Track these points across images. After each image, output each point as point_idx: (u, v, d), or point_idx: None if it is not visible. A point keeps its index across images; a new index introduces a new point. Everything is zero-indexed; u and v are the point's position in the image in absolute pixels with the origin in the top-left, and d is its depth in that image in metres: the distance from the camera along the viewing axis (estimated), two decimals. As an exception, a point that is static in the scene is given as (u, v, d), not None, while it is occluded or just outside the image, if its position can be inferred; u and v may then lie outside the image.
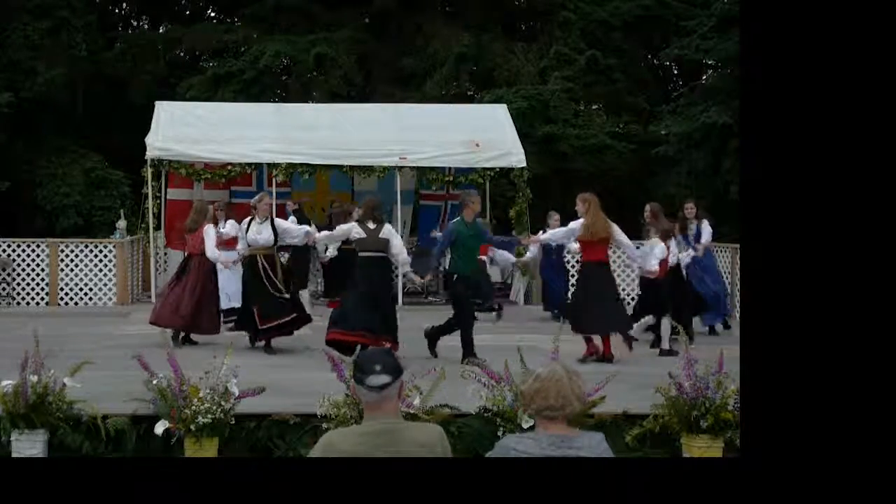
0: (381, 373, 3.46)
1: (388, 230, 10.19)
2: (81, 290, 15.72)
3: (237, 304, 11.51)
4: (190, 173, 16.47)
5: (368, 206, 10.44)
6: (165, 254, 17.18)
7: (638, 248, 11.04)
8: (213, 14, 30.61)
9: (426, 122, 17.40)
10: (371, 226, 10.11)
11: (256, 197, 11.33)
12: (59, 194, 22.68)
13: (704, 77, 24.61)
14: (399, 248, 10.21)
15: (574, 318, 10.18)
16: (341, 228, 10.85)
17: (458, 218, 10.40)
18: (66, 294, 15.70)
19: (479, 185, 17.97)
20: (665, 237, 10.99)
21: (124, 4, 30.72)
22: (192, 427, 6.47)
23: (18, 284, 15.65)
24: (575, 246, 11.47)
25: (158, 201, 16.52)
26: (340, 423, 6.26)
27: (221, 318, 11.46)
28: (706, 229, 12.82)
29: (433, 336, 10.24)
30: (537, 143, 21.67)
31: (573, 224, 10.39)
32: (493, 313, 11.28)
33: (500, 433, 6.43)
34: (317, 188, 17.54)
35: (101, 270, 15.72)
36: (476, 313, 10.33)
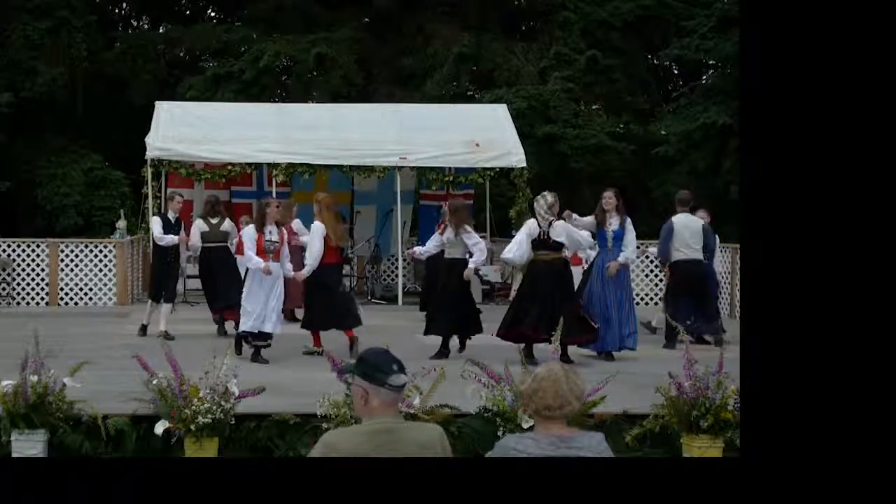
0: (399, 372, 3.51)
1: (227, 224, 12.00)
2: (81, 290, 15.72)
3: None
4: (190, 173, 16.48)
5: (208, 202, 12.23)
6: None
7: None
8: (213, 14, 30.64)
9: (426, 122, 17.40)
10: (213, 220, 11.87)
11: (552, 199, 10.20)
12: (59, 194, 22.69)
13: (704, 77, 24.62)
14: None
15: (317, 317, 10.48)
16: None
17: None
18: (66, 294, 15.70)
19: (478, 185, 18.02)
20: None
21: (124, 4, 30.74)
22: (192, 427, 6.46)
23: (18, 284, 15.64)
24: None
25: (158, 201, 16.52)
26: (340, 423, 6.25)
27: None
28: (630, 231, 10.45)
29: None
30: (537, 143, 21.69)
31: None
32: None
33: (500, 433, 6.43)
34: (317, 188, 17.54)
35: (101, 270, 15.72)
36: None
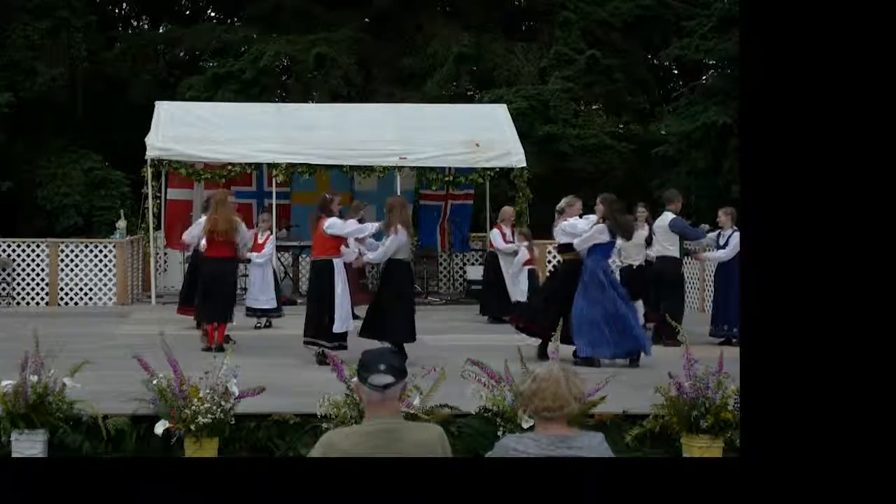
0: (384, 373, 3.48)
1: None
2: (81, 290, 15.72)
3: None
4: (190, 173, 16.48)
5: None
6: (165, 254, 17.22)
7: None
8: (213, 14, 30.64)
9: (426, 122, 17.41)
10: None
11: (568, 200, 10.45)
12: (59, 194, 22.69)
13: (704, 77, 24.61)
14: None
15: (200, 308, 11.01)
16: None
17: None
18: (66, 294, 15.69)
19: (478, 185, 18.02)
20: None
21: (124, 4, 30.74)
22: (192, 427, 6.46)
23: (18, 284, 15.64)
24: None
25: (158, 201, 16.53)
26: (340, 423, 6.26)
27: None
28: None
29: None
30: (537, 143, 21.68)
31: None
32: None
33: (500, 433, 6.43)
34: (317, 188, 17.54)
35: (101, 270, 15.72)
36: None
